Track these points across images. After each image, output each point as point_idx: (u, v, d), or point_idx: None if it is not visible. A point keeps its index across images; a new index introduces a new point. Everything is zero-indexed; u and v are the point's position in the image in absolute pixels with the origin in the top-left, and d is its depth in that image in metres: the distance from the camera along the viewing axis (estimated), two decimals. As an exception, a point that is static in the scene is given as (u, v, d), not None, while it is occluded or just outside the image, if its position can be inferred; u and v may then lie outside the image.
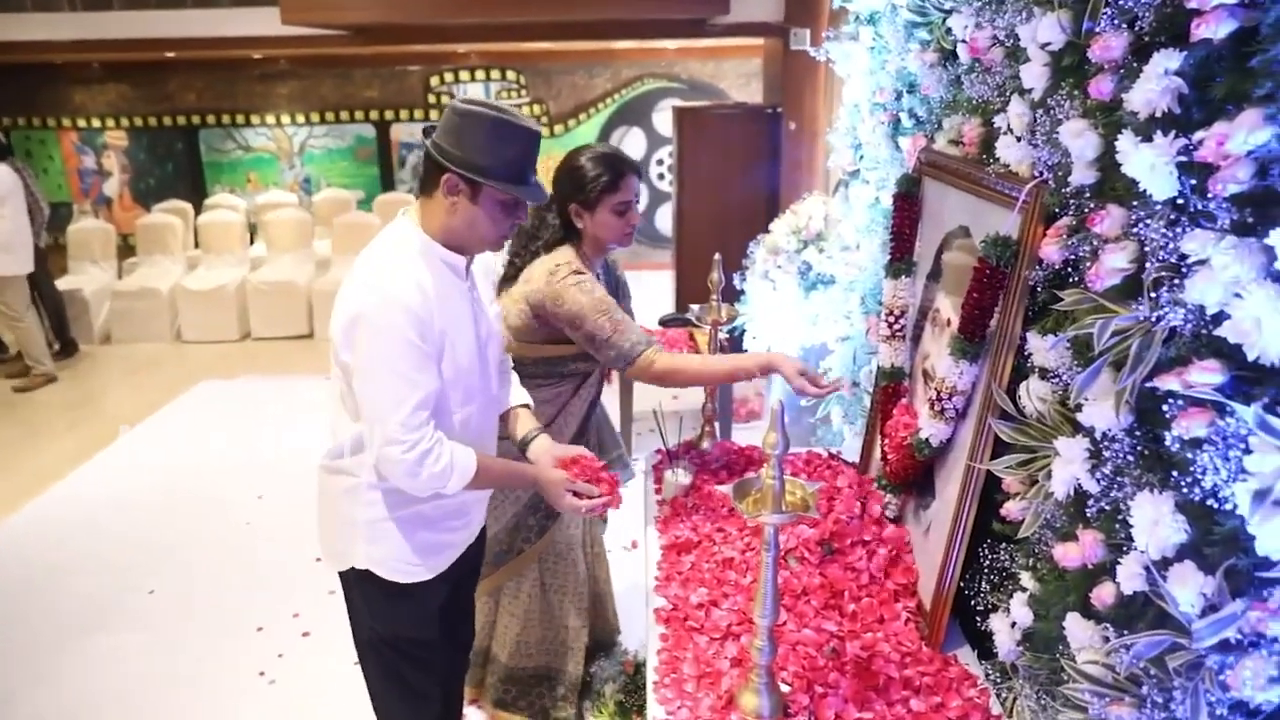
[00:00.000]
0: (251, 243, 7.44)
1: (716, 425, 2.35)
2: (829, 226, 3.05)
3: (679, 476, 2.15)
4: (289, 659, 2.85)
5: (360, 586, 1.80)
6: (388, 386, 1.58)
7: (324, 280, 6.79)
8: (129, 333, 6.78)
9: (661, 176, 8.53)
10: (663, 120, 8.39)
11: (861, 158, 2.55)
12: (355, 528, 1.75)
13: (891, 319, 1.88)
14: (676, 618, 1.69)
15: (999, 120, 1.48)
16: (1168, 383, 0.97)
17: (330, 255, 7.09)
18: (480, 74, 8.30)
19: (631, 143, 8.45)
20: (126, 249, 7.84)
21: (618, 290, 2.45)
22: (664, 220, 8.63)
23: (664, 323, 4.72)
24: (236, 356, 6.49)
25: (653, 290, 7.08)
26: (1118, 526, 1.13)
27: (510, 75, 8.31)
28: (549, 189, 2.06)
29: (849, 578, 1.73)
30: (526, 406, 1.99)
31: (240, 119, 8.32)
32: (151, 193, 8.36)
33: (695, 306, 2.34)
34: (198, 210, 7.58)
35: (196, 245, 7.35)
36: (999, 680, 1.47)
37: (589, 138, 8.32)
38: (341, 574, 1.83)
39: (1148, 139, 1.00)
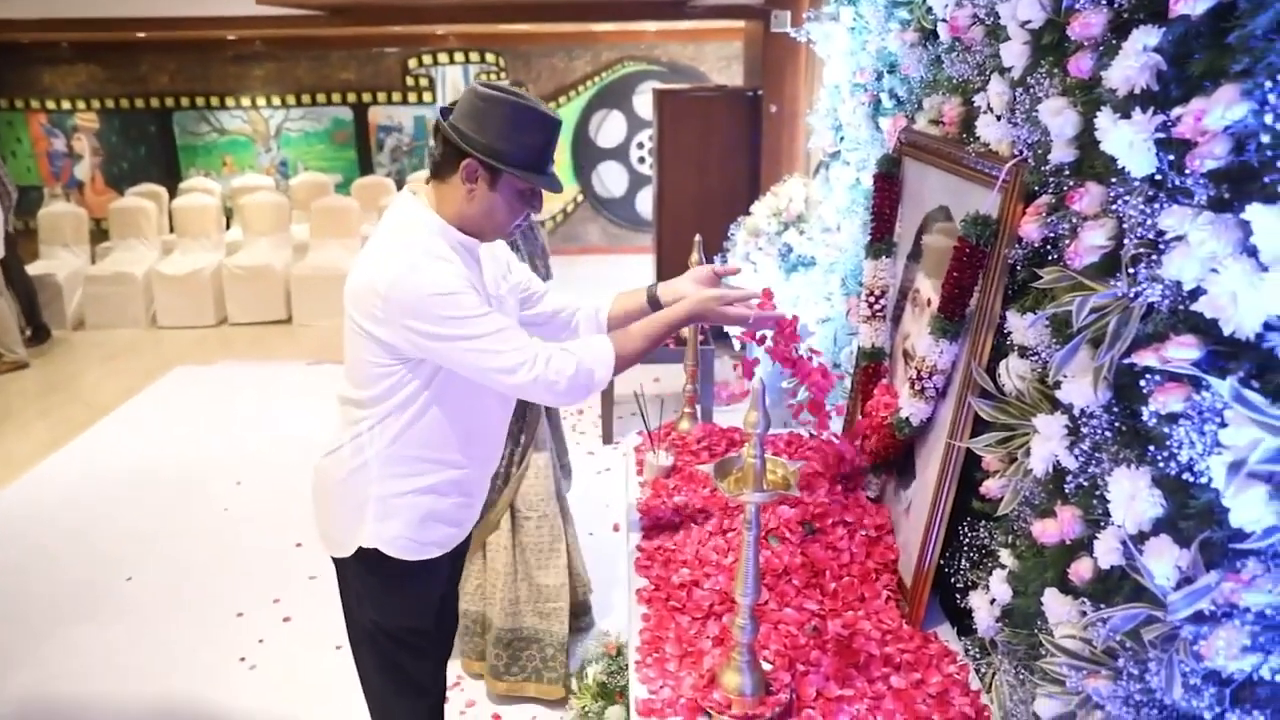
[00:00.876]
0: (227, 227, 7.34)
1: (698, 407, 2.35)
2: (809, 208, 3.05)
3: (659, 458, 2.15)
4: (270, 644, 2.84)
5: (361, 574, 1.77)
6: (477, 329, 1.53)
7: (302, 265, 6.72)
8: (103, 318, 6.69)
9: (642, 160, 8.49)
10: (643, 103, 8.35)
11: (842, 139, 2.55)
12: (364, 506, 1.71)
13: (872, 299, 1.89)
14: (659, 598, 1.69)
15: (979, 99, 1.48)
16: (1145, 358, 0.98)
17: (308, 239, 7.01)
18: (459, 56, 8.22)
19: (612, 126, 8.40)
20: (99, 233, 7.72)
21: (537, 248, 2.60)
22: (644, 204, 8.60)
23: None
24: (212, 342, 6.42)
25: (634, 273, 7.08)
26: (1095, 502, 1.14)
27: (489, 58, 8.23)
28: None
29: (830, 557, 1.74)
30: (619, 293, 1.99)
31: (215, 101, 8.19)
32: (124, 176, 8.22)
33: (677, 288, 2.33)
34: (172, 194, 7.47)
35: (171, 229, 7.25)
36: (978, 656, 1.49)
37: (569, 120, 8.27)
38: (340, 562, 1.80)
39: (1126, 116, 1.00)
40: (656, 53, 8.27)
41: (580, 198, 8.52)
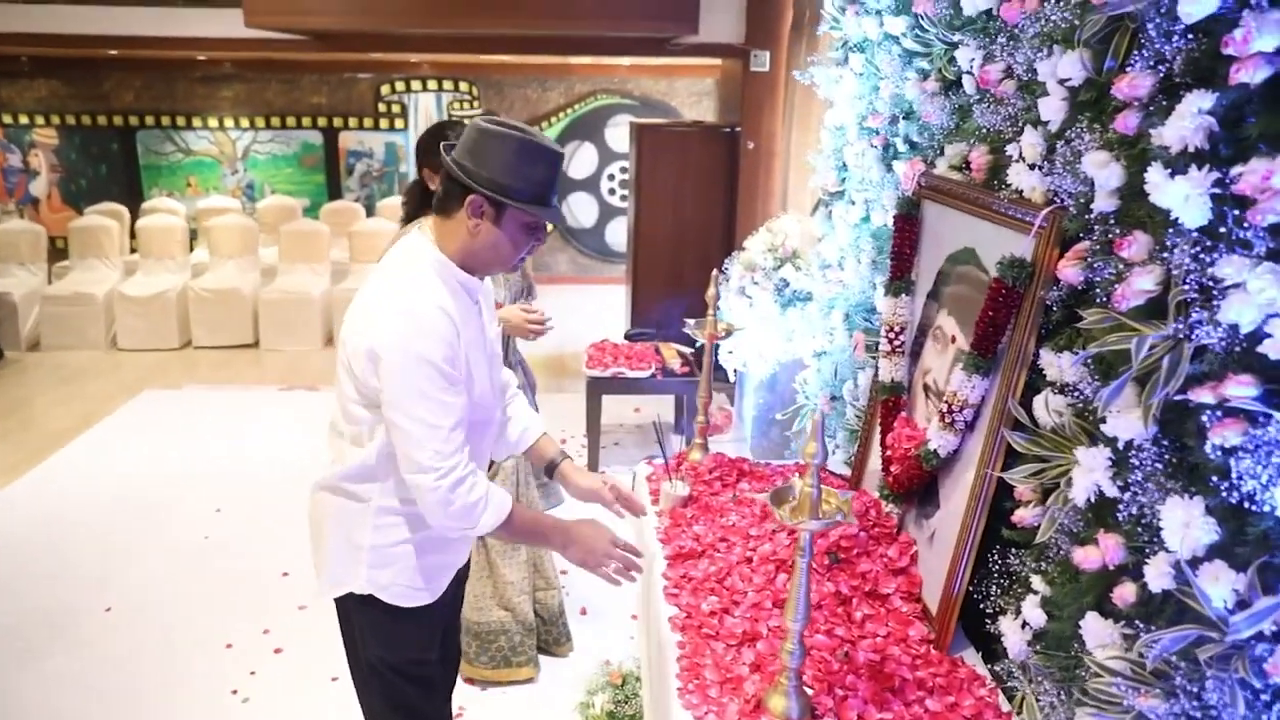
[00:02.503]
0: (191, 249, 7.21)
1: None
2: (805, 245, 3.14)
3: (676, 488, 2.18)
4: (262, 676, 2.78)
5: (362, 612, 1.76)
6: (420, 413, 1.55)
7: (271, 289, 6.63)
8: (60, 340, 6.49)
9: (613, 191, 8.59)
10: (615, 136, 8.46)
11: (845, 179, 2.64)
12: (359, 552, 1.71)
13: (892, 335, 1.96)
14: (691, 625, 1.72)
15: (1010, 149, 1.57)
16: (1202, 395, 1.06)
17: (276, 263, 6.92)
18: (432, 84, 8.24)
19: (584, 157, 8.49)
20: (55, 252, 7.51)
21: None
22: (614, 235, 8.68)
23: (630, 337, 4.77)
24: (176, 365, 6.28)
25: (604, 305, 7.13)
26: (1140, 530, 1.21)
27: (463, 86, 8.28)
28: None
29: (856, 585, 1.79)
30: (545, 434, 2.03)
31: (181, 121, 8.07)
32: (83, 194, 8.03)
33: (691, 321, 2.39)
34: (134, 213, 7.32)
35: (133, 250, 7.09)
36: (1007, 679, 1.55)
37: (541, 151, 8.35)
38: (339, 600, 1.79)
39: (1180, 172, 1.08)
40: (629, 86, 8.41)
41: (550, 227, 8.57)
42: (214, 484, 4.20)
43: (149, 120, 8.05)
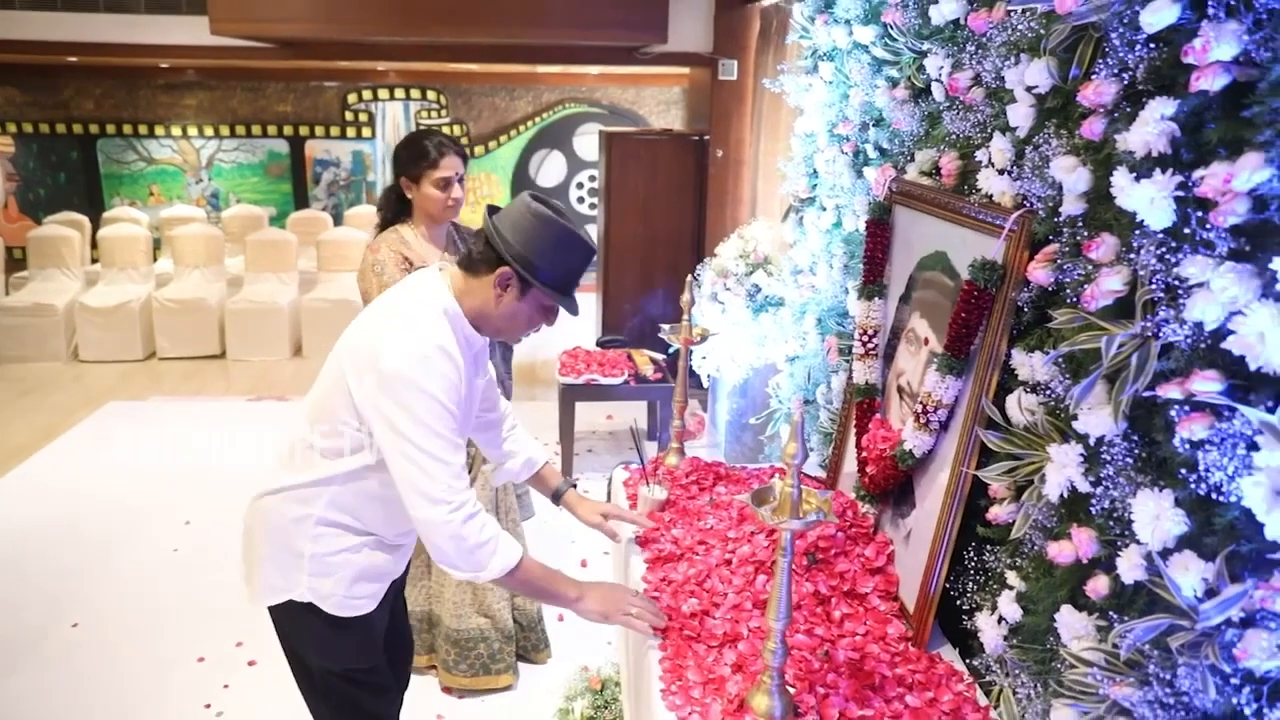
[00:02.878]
0: (155, 259, 7.09)
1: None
2: (777, 250, 3.18)
3: (654, 492, 2.19)
4: (236, 689, 2.74)
5: (302, 620, 1.74)
6: (432, 448, 1.56)
7: (238, 299, 6.54)
8: (18, 351, 6.35)
9: (581, 200, 8.60)
10: (583, 144, 8.48)
11: (815, 186, 2.68)
12: (300, 559, 1.70)
13: (866, 338, 1.99)
14: (673, 628, 1.73)
15: (980, 155, 1.61)
16: (1169, 391, 1.09)
17: (243, 273, 6.83)
18: (400, 93, 8.21)
19: (552, 166, 8.50)
20: (13, 263, 7.35)
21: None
22: (584, 243, 8.69)
23: (601, 344, 4.78)
24: (140, 377, 6.17)
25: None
26: (1112, 523, 1.25)
27: (431, 95, 8.25)
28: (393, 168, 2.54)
29: (834, 585, 1.81)
30: (548, 463, 2.10)
31: (143, 129, 7.94)
32: (42, 204, 7.87)
33: (666, 326, 2.41)
34: (95, 223, 7.19)
35: (94, 260, 6.97)
36: (985, 674, 1.58)
37: (509, 160, 8.34)
38: (275, 609, 1.76)
39: (1145, 175, 1.12)
40: (597, 95, 8.44)
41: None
42: (183, 496, 4.13)
43: (110, 128, 7.92)
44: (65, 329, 6.42)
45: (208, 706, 2.66)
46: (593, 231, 8.61)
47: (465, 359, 1.65)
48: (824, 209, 2.57)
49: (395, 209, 2.55)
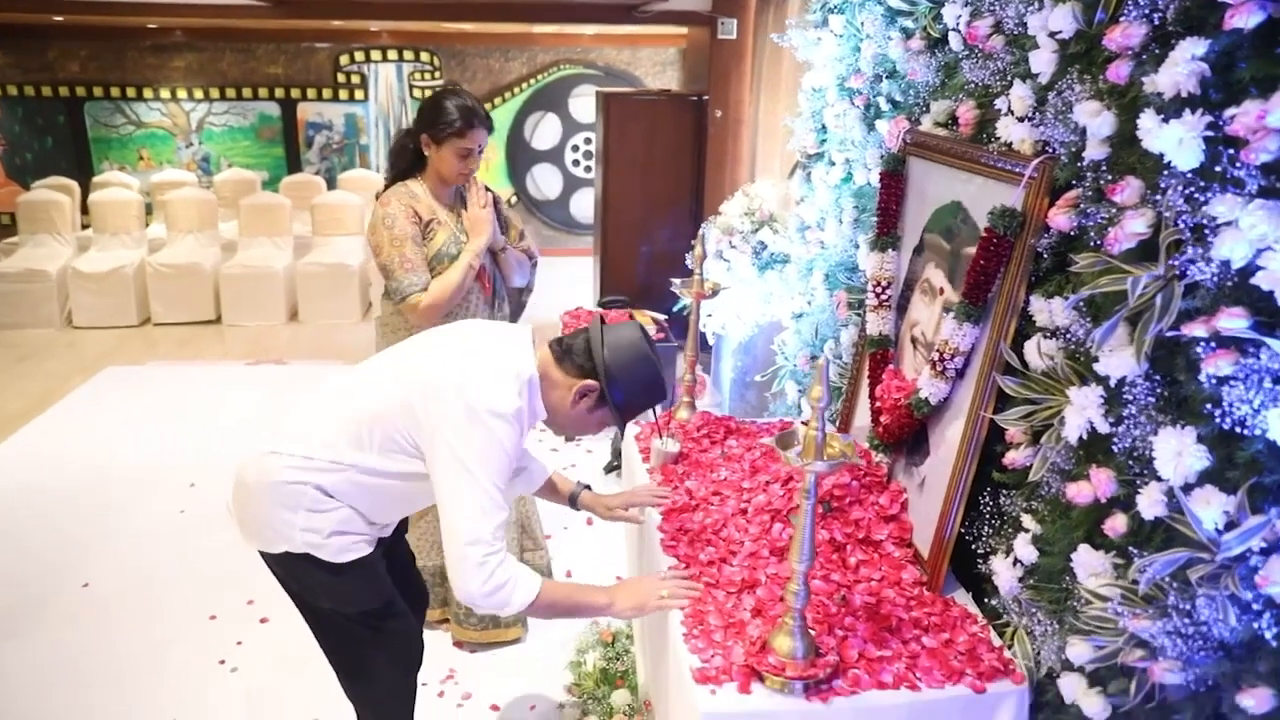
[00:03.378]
0: (146, 224, 7.01)
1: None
2: (782, 208, 3.17)
3: (667, 445, 2.22)
4: (249, 646, 2.77)
5: (303, 570, 1.76)
6: (493, 491, 1.60)
7: (232, 264, 6.49)
8: (12, 318, 6.29)
9: (576, 163, 8.53)
10: (578, 106, 8.39)
11: (824, 140, 2.67)
12: (295, 513, 1.70)
13: (879, 289, 2.00)
14: (692, 577, 1.76)
15: (999, 103, 1.61)
16: (1194, 329, 1.11)
17: (237, 238, 6.77)
18: (393, 54, 8.08)
19: (547, 128, 8.41)
20: (1, 229, 7.26)
21: (505, 228, 2.69)
22: (578, 207, 8.64)
23: (603, 304, 4.77)
24: (135, 342, 6.13)
25: (571, 277, 7.11)
26: (1131, 463, 1.27)
27: (424, 56, 8.13)
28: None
29: (850, 533, 1.84)
30: (555, 472, 2.14)
31: (131, 92, 7.81)
32: (29, 168, 7.75)
33: (677, 280, 2.41)
34: (84, 188, 7.09)
35: (84, 226, 6.89)
36: (1002, 614, 1.61)
37: (504, 122, 8.24)
38: (272, 558, 1.77)
39: (1174, 116, 1.13)
40: (592, 56, 8.33)
41: (514, 200, 8.50)
42: (185, 459, 4.13)
43: (97, 91, 7.78)
44: (59, 295, 6.36)
45: (222, 662, 2.69)
46: (586, 196, 8.58)
47: (525, 427, 1.70)
48: (833, 164, 2.56)
49: (410, 163, 2.52)
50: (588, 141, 8.44)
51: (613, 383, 1.70)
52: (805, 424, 1.37)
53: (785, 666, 1.46)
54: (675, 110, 5.93)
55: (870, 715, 1.46)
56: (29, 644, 2.80)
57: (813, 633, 1.54)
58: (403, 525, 2.04)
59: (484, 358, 1.69)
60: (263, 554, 1.79)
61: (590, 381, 1.70)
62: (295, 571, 1.77)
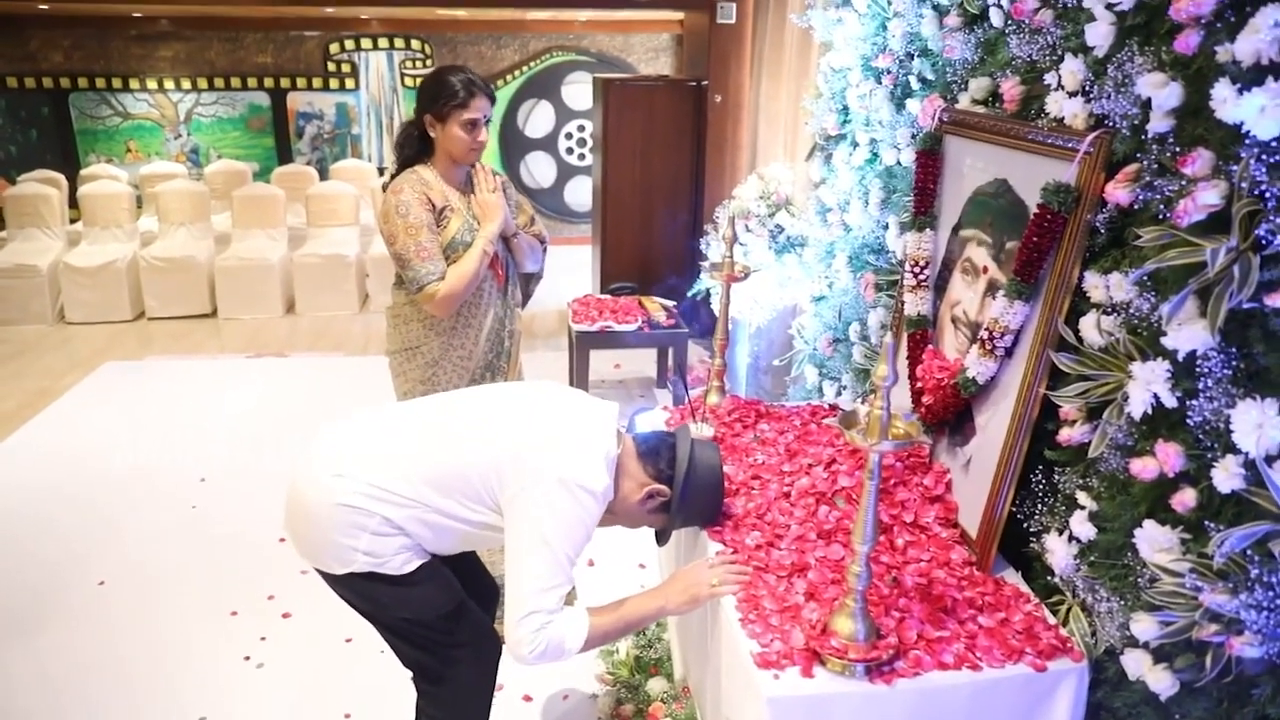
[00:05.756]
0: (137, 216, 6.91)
1: (726, 379, 2.40)
2: (799, 191, 3.15)
3: (702, 430, 2.20)
4: (274, 641, 2.73)
5: (368, 588, 1.72)
6: (559, 564, 1.61)
7: (227, 256, 6.41)
8: (2, 314, 6.20)
9: (570, 151, 8.48)
10: (572, 94, 8.33)
11: (845, 122, 2.65)
12: (357, 539, 1.67)
13: (917, 269, 1.99)
14: (739, 560, 1.74)
15: (1048, 78, 1.59)
16: (1277, 301, 1.10)
17: (230, 230, 6.68)
18: (383, 42, 7.99)
19: (540, 116, 8.35)
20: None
21: (515, 212, 2.64)
22: (573, 195, 8.59)
23: (611, 291, 4.75)
24: (130, 337, 6.05)
25: (568, 265, 7.06)
26: (1202, 436, 1.26)
27: (415, 44, 8.03)
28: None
29: (895, 514, 1.83)
30: None
31: (117, 83, 7.67)
32: (13, 162, 7.61)
33: (706, 263, 2.39)
34: (71, 181, 6.98)
35: (73, 220, 6.78)
36: (1053, 591, 1.61)
37: (497, 110, 8.15)
38: (336, 580, 1.74)
39: (1255, 85, 1.11)
40: (585, 43, 8.26)
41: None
42: (193, 454, 4.08)
43: (82, 82, 7.64)
44: (50, 290, 6.27)
45: (247, 659, 2.66)
46: (580, 184, 8.53)
47: (604, 507, 1.71)
48: (856, 145, 2.54)
49: (417, 148, 2.46)
50: (581, 129, 8.38)
51: (684, 501, 1.75)
52: (868, 404, 1.36)
53: (848, 649, 1.45)
54: (674, 96, 5.89)
55: (933, 696, 1.45)
56: (46, 644, 2.76)
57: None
58: None
59: (580, 432, 1.70)
60: (324, 575, 1.75)
61: (664, 488, 1.75)
62: (362, 591, 1.73)
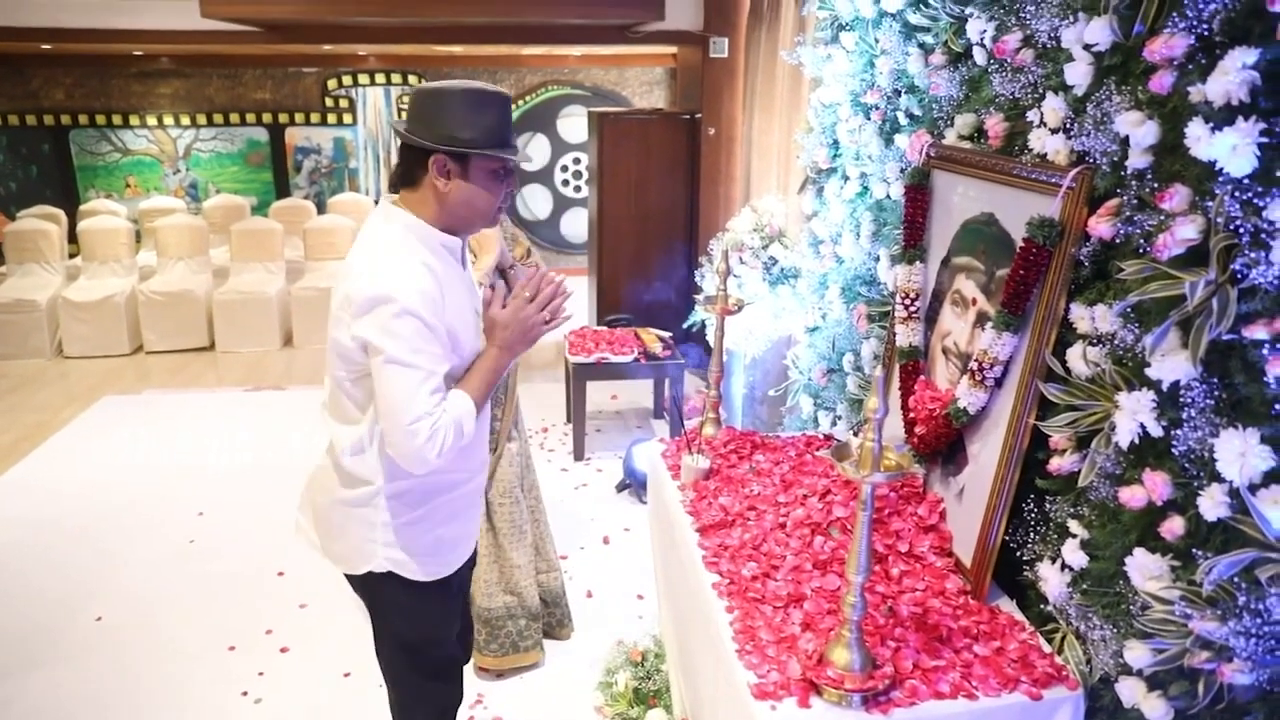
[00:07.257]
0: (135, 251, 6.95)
1: (722, 410, 2.42)
2: (792, 223, 3.20)
3: (697, 461, 2.22)
4: (271, 676, 2.73)
5: (383, 590, 1.76)
6: (404, 375, 1.55)
7: (225, 290, 6.45)
8: (1, 349, 6.22)
9: (566, 183, 8.56)
10: (567, 127, 8.44)
11: (836, 155, 2.70)
12: (374, 530, 1.71)
13: (907, 301, 2.02)
14: (736, 591, 1.75)
15: (1030, 115, 1.64)
16: (1255, 332, 1.13)
17: (228, 263, 6.73)
18: (380, 77, 8.10)
19: (536, 149, 8.45)
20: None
21: (511, 245, 2.73)
22: (568, 227, 8.67)
23: (607, 323, 4.78)
24: (129, 371, 6.07)
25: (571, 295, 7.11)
26: (1188, 465, 1.28)
27: (412, 79, 8.15)
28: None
29: (890, 544, 1.85)
30: None
31: (117, 119, 7.76)
32: (14, 198, 7.68)
33: (700, 296, 2.42)
34: (70, 216, 7.04)
35: (72, 255, 6.82)
36: (1047, 619, 1.62)
37: (493, 143, 8.26)
38: (355, 579, 1.78)
39: (1225, 124, 1.15)
40: (580, 77, 8.39)
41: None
42: (192, 488, 4.08)
43: (82, 119, 7.73)
44: (49, 324, 6.30)
45: (245, 694, 2.65)
46: (576, 216, 8.60)
47: (446, 267, 1.64)
48: (846, 178, 2.59)
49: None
50: (577, 161, 8.48)
51: (442, 136, 1.57)
52: (860, 435, 1.38)
53: (844, 679, 1.46)
54: (668, 129, 5.98)
55: (929, 726, 1.46)
56: (44, 679, 2.75)
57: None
58: (472, 560, 2.01)
59: (359, 255, 1.63)
60: (348, 577, 1.79)
61: (434, 158, 1.58)
62: (375, 592, 1.77)
